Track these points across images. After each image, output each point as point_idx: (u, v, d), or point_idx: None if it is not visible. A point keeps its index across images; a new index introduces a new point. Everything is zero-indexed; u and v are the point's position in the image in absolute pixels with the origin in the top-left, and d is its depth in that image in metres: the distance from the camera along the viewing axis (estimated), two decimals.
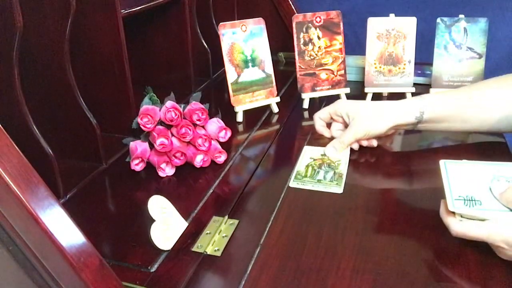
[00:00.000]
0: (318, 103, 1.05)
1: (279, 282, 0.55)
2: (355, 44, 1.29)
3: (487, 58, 1.02)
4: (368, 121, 0.80)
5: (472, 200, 0.58)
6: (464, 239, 0.58)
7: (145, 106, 0.79)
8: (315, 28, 1.02)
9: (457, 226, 0.57)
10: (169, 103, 0.78)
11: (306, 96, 1.03)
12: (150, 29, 1.04)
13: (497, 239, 0.55)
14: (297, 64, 1.02)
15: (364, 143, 0.83)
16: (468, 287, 0.54)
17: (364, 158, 0.83)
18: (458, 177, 0.62)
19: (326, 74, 1.04)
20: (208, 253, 0.59)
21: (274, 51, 1.05)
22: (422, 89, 1.08)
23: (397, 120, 0.79)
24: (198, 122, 0.79)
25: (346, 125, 0.84)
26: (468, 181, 0.61)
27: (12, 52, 0.60)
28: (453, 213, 0.58)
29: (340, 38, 1.03)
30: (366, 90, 1.06)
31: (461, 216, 0.58)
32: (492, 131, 0.81)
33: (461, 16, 1.01)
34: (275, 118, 0.99)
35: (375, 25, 1.03)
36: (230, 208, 0.68)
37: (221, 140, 0.83)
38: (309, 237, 0.62)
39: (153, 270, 0.56)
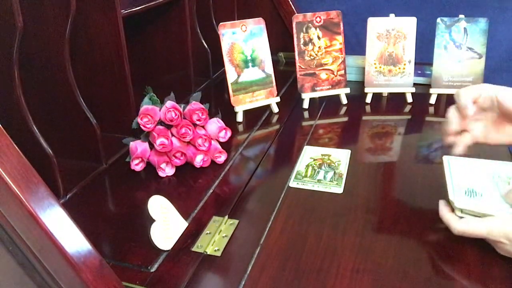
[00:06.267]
0: (318, 103, 1.05)
1: (279, 282, 0.55)
2: (355, 44, 1.29)
3: (487, 58, 1.02)
4: None
5: (473, 192, 0.59)
6: (463, 238, 0.58)
7: (145, 106, 0.79)
8: (315, 28, 1.02)
9: (457, 224, 0.57)
10: (169, 103, 0.78)
11: (306, 96, 1.03)
12: (150, 29, 1.04)
13: (497, 234, 0.55)
14: (297, 64, 1.02)
15: None
16: (468, 286, 0.54)
17: (364, 158, 0.83)
18: (460, 172, 0.63)
19: (326, 74, 1.04)
20: (208, 253, 0.59)
21: (274, 51, 1.05)
22: (422, 89, 1.09)
23: None
24: (198, 122, 0.79)
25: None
26: (470, 176, 0.62)
27: (12, 52, 0.60)
28: (453, 211, 0.59)
29: (340, 38, 1.03)
30: (366, 90, 1.06)
31: (461, 212, 0.58)
32: None
33: (461, 16, 1.01)
34: (275, 118, 0.99)
35: (375, 25, 1.03)
36: (230, 208, 0.68)
37: (221, 140, 0.83)
38: (309, 237, 0.62)
39: (153, 270, 0.56)
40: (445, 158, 0.66)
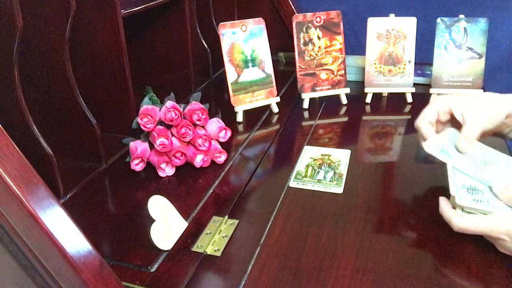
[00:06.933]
0: (318, 103, 1.05)
1: (279, 282, 0.55)
2: (355, 44, 1.29)
3: (487, 58, 1.02)
4: (487, 109, 0.67)
5: (474, 189, 0.59)
6: (463, 237, 0.58)
7: (145, 106, 0.79)
8: (315, 28, 1.02)
9: (459, 221, 0.57)
10: (169, 103, 0.78)
11: (306, 96, 1.03)
12: (150, 29, 1.04)
13: (499, 231, 0.55)
14: (297, 64, 1.02)
15: None
16: (468, 286, 0.54)
17: (364, 158, 0.83)
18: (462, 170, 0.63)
19: (326, 74, 1.04)
20: (208, 253, 0.59)
21: (274, 51, 1.05)
22: (422, 89, 1.09)
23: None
24: (198, 122, 0.79)
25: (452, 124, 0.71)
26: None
27: (12, 52, 0.60)
28: (454, 208, 0.59)
29: (340, 38, 1.03)
30: (366, 90, 1.06)
31: (462, 210, 0.58)
32: None
33: (461, 16, 1.01)
34: (275, 118, 0.99)
35: (375, 25, 1.03)
36: (230, 208, 0.68)
37: (221, 140, 0.83)
38: (309, 237, 0.62)
39: (153, 270, 0.56)
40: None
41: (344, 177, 0.76)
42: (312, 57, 1.03)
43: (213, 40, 1.05)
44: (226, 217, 0.66)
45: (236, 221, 0.65)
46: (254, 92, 0.98)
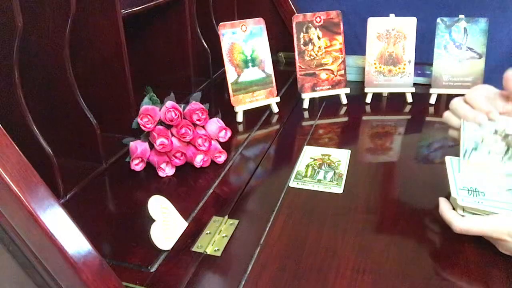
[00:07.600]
0: (318, 103, 1.05)
1: (279, 282, 0.55)
2: (355, 44, 1.29)
3: (487, 58, 1.02)
4: None
5: (475, 191, 0.59)
6: (463, 237, 0.58)
7: (145, 106, 0.79)
8: (315, 28, 1.02)
9: (460, 222, 0.57)
10: (169, 103, 0.78)
11: (306, 96, 1.03)
12: (150, 29, 1.04)
13: (501, 232, 0.55)
14: (297, 64, 1.02)
15: None
16: (468, 286, 0.54)
17: (364, 158, 0.83)
18: (463, 172, 0.63)
19: (326, 74, 1.04)
20: (208, 253, 0.59)
21: (274, 51, 1.05)
22: (422, 89, 1.09)
23: None
24: (198, 122, 0.79)
25: None
26: (472, 176, 0.62)
27: (12, 52, 0.60)
28: (454, 209, 0.59)
29: (340, 38, 1.03)
30: (366, 90, 1.06)
31: (463, 210, 0.58)
32: None
33: (461, 16, 1.01)
34: (275, 118, 0.99)
35: (375, 25, 1.03)
36: (230, 208, 0.68)
37: (221, 140, 0.83)
38: (309, 237, 0.62)
39: (153, 270, 0.56)
40: (448, 158, 0.66)
41: (344, 177, 0.76)
42: (312, 57, 1.03)
43: (213, 40, 1.05)
44: (226, 217, 0.66)
45: (236, 221, 0.65)
46: (254, 92, 0.98)
